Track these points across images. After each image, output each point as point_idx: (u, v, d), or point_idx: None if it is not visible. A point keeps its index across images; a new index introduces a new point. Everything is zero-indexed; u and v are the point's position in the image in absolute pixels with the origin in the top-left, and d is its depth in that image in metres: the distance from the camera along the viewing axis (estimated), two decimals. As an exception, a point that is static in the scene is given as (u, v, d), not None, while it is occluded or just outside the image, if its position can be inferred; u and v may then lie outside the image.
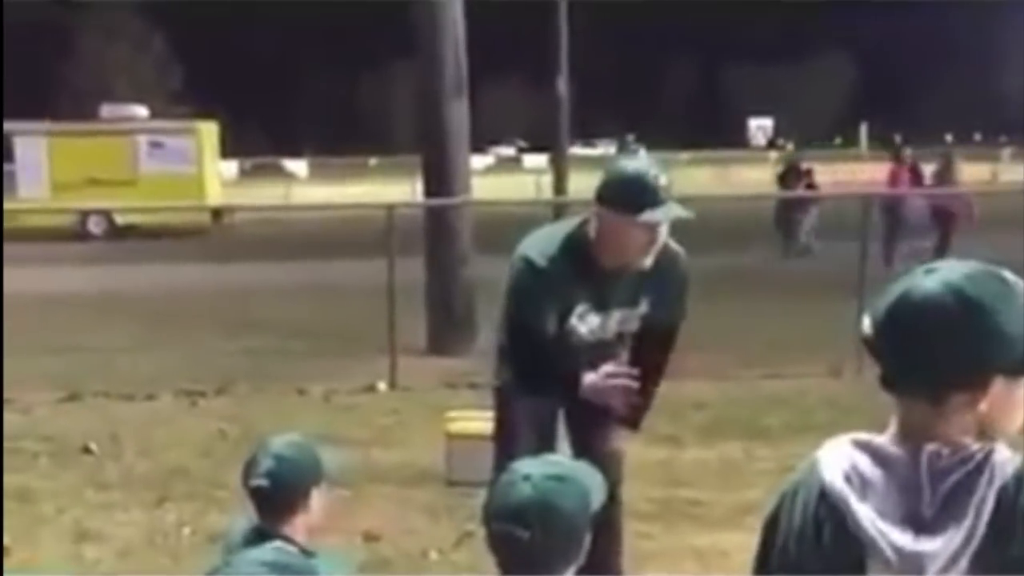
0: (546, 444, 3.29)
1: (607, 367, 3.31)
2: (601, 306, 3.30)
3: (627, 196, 3.12)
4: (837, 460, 1.44)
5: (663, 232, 3.21)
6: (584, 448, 3.37)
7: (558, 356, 3.30)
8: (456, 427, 5.44)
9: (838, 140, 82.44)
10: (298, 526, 2.51)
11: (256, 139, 64.18)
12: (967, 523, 1.35)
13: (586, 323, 3.30)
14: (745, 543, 1.64)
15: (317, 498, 2.54)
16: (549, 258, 3.24)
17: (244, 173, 46.54)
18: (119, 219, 21.67)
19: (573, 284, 3.24)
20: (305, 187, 37.08)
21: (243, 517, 2.60)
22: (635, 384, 3.30)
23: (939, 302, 1.39)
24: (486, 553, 1.82)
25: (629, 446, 3.75)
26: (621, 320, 3.35)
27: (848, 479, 1.41)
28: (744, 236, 16.61)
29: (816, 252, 16.08)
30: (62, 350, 9.05)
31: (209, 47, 70.41)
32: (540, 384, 3.36)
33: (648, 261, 3.22)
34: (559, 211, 9.37)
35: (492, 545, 1.80)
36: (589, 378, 3.28)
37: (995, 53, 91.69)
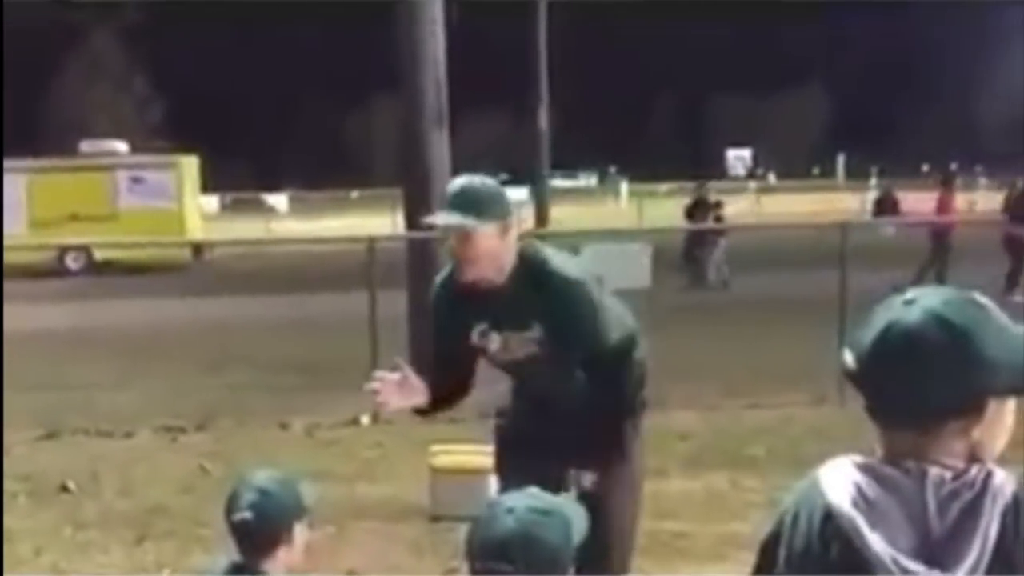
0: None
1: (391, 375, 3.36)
2: (496, 326, 3.24)
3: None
4: (841, 482, 1.42)
5: (484, 241, 3.08)
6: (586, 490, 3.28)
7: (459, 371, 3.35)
8: (440, 461, 5.38)
9: (816, 170, 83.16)
10: (280, 562, 2.48)
11: (237, 173, 64.12)
12: (975, 549, 1.35)
13: (491, 342, 3.24)
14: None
15: (299, 533, 2.51)
16: (442, 279, 3.32)
17: (224, 207, 46.51)
18: (98, 254, 21.50)
19: (463, 302, 3.22)
20: (285, 221, 37.04)
21: (223, 555, 2.56)
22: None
23: (925, 334, 1.37)
24: (471, 589, 1.79)
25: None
26: (518, 343, 3.22)
27: (855, 503, 1.40)
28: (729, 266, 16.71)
29: (728, 286, 15.80)
30: (40, 387, 8.95)
31: (189, 82, 70.49)
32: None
33: (497, 275, 3.15)
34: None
35: (477, 580, 1.77)
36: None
37: (971, 85, 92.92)
